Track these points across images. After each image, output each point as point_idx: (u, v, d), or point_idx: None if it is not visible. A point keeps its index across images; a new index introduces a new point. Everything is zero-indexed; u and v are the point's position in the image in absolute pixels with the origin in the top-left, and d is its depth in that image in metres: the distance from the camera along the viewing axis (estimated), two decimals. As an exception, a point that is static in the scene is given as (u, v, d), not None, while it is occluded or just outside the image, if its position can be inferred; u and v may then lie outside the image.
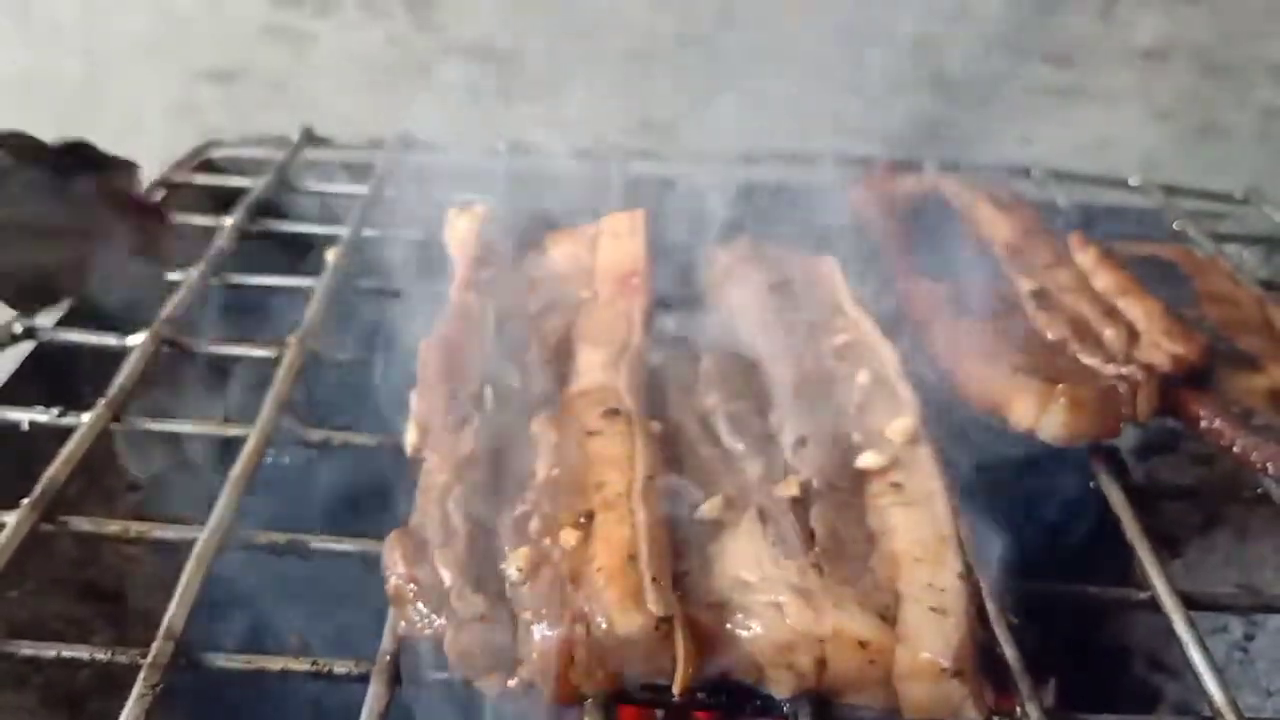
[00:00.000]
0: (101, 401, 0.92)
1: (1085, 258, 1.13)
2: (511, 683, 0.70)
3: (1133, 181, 1.52)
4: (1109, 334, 1.00)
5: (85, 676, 0.75)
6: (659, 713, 0.99)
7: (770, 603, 0.71)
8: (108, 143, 1.47)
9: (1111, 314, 1.03)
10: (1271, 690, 1.14)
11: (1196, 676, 0.75)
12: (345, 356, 1.05)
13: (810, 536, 0.77)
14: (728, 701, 0.73)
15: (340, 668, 0.72)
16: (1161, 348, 0.97)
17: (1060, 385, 0.91)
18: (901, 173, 1.37)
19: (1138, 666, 1.12)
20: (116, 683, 0.69)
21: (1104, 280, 1.09)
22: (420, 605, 0.71)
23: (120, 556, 1.02)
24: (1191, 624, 0.78)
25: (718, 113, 1.62)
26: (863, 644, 0.69)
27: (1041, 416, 0.91)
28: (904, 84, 1.63)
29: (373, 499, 1.05)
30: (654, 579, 0.70)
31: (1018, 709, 0.71)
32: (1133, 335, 1.00)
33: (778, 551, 0.75)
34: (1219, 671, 0.75)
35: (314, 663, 0.72)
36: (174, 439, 0.97)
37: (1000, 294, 1.09)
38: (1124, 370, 0.95)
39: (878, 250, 1.20)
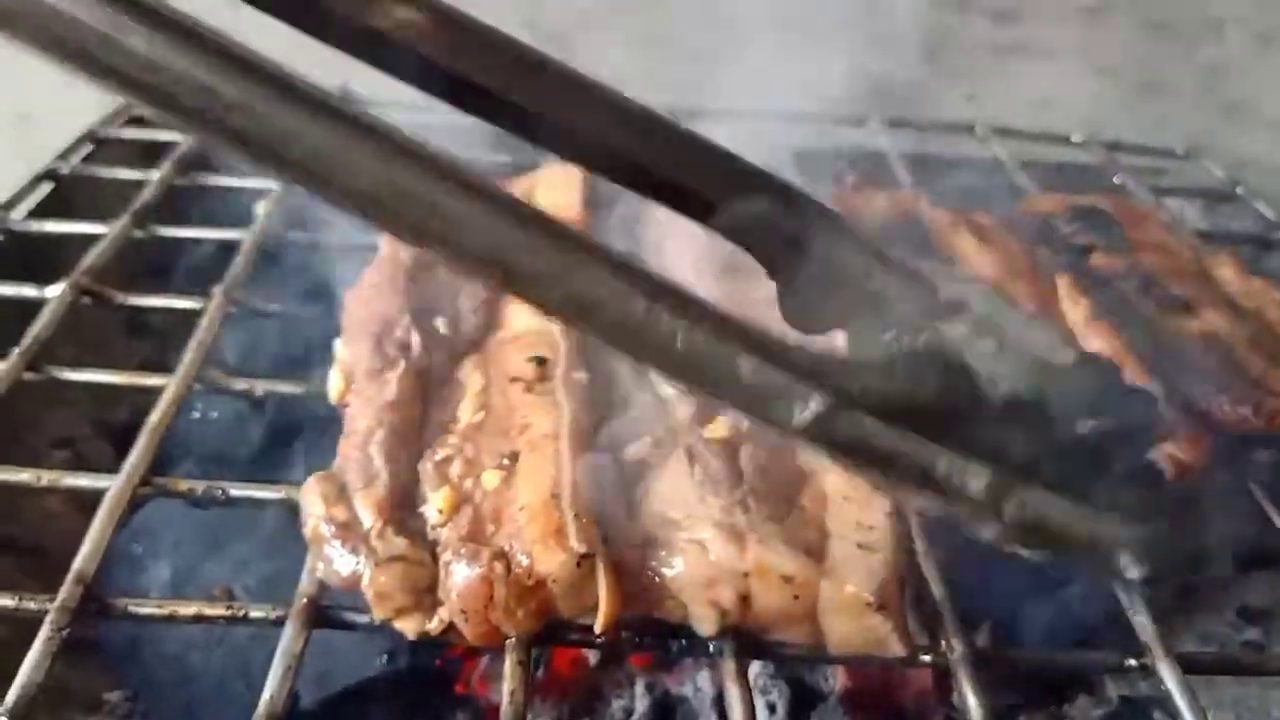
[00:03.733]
0: (15, 351, 0.89)
1: (1076, 313, 1.01)
2: (431, 624, 0.69)
3: (1075, 138, 1.52)
4: None
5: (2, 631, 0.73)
6: (592, 657, 0.98)
7: (694, 539, 0.70)
8: (36, 101, 1.44)
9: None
10: (1208, 635, 1.15)
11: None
12: (274, 308, 1.02)
13: (738, 475, 0.76)
14: (653, 641, 0.72)
15: (256, 612, 0.71)
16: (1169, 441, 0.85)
17: None
18: (873, 188, 1.22)
19: (1076, 615, 1.13)
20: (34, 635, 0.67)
21: (1097, 346, 0.96)
22: (338, 545, 0.70)
23: (42, 513, 1.00)
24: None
25: (660, 70, 1.61)
26: (787, 578, 0.68)
27: None
28: (847, 40, 1.62)
29: (301, 449, 1.04)
30: (576, 516, 0.69)
31: (943, 643, 0.71)
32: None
33: (704, 490, 0.74)
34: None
35: (229, 607, 0.71)
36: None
37: None
38: None
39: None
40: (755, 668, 0.99)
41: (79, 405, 1.15)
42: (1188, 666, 0.72)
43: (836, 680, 0.99)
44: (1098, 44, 1.71)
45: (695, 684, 0.99)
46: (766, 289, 0.98)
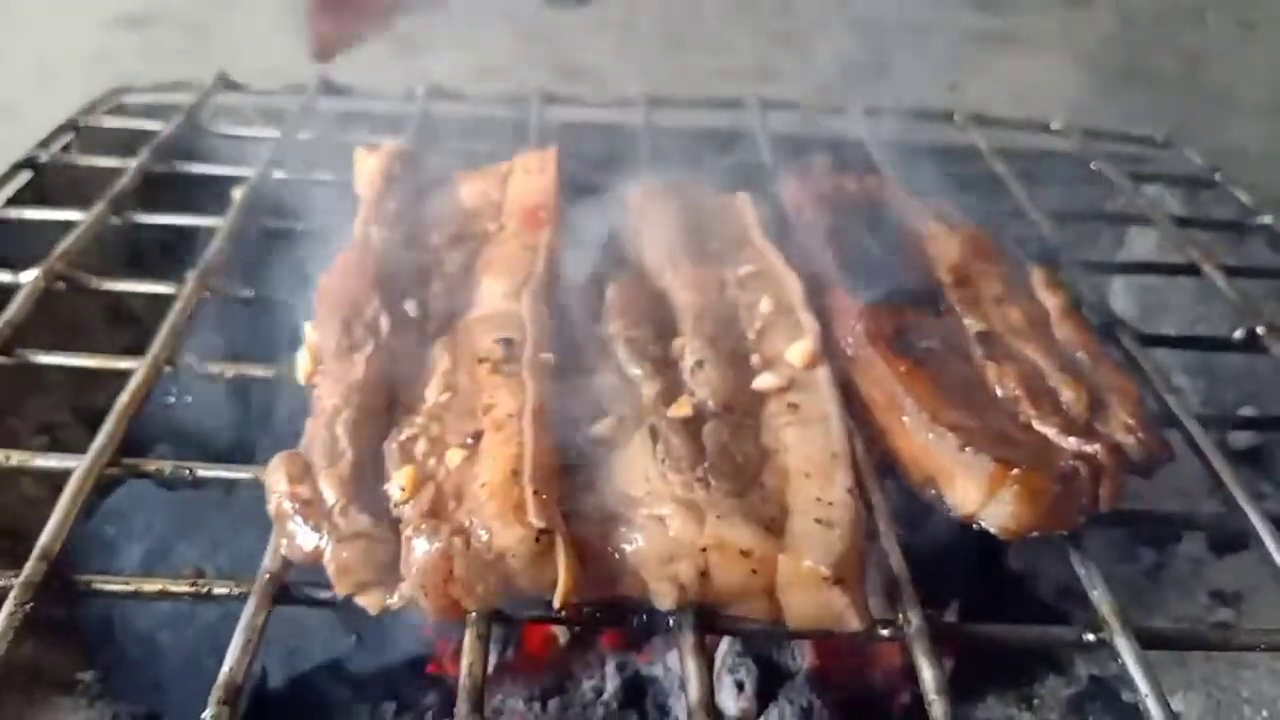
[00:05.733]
0: (-12, 336, 0.90)
1: (1051, 303, 0.99)
2: (392, 599, 0.69)
3: (1054, 125, 1.53)
4: (1068, 395, 0.86)
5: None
6: (562, 637, 0.99)
7: (653, 515, 0.71)
8: (20, 93, 1.45)
9: (1069, 369, 0.89)
10: (1180, 618, 1.16)
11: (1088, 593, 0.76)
12: (247, 294, 1.03)
13: (700, 453, 0.76)
14: (612, 615, 0.72)
15: (220, 588, 0.71)
16: (1132, 432, 0.82)
17: (1014, 471, 0.76)
18: (841, 173, 1.20)
19: (1045, 594, 1.13)
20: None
21: (1067, 333, 0.95)
22: (301, 522, 0.71)
23: (20, 498, 1.01)
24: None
25: (641, 58, 1.61)
26: (745, 553, 0.69)
27: (987, 503, 0.77)
28: (830, 28, 1.63)
29: (276, 433, 1.04)
30: (536, 493, 0.70)
31: (899, 616, 0.71)
32: (1096, 401, 0.86)
33: (665, 467, 0.75)
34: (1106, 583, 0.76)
35: (193, 584, 0.71)
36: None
37: (944, 330, 0.93)
38: (1086, 448, 0.79)
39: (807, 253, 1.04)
40: (723, 646, 1.00)
41: (58, 392, 1.16)
42: (1148, 641, 0.72)
43: (804, 659, 0.99)
44: (1079, 32, 1.71)
45: (665, 664, 1.00)
46: (738, 270, 0.99)
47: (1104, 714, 1.04)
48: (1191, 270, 1.19)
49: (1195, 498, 1.18)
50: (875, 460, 0.83)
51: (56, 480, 0.79)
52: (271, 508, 0.73)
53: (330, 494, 0.72)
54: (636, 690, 0.98)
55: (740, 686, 0.96)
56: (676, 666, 1.00)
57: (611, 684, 0.98)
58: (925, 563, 0.76)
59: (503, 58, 1.56)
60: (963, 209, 1.14)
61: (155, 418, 0.91)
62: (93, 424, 0.86)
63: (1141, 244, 1.56)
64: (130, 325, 1.24)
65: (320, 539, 0.70)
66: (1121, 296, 1.57)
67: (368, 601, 0.70)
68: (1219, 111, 1.72)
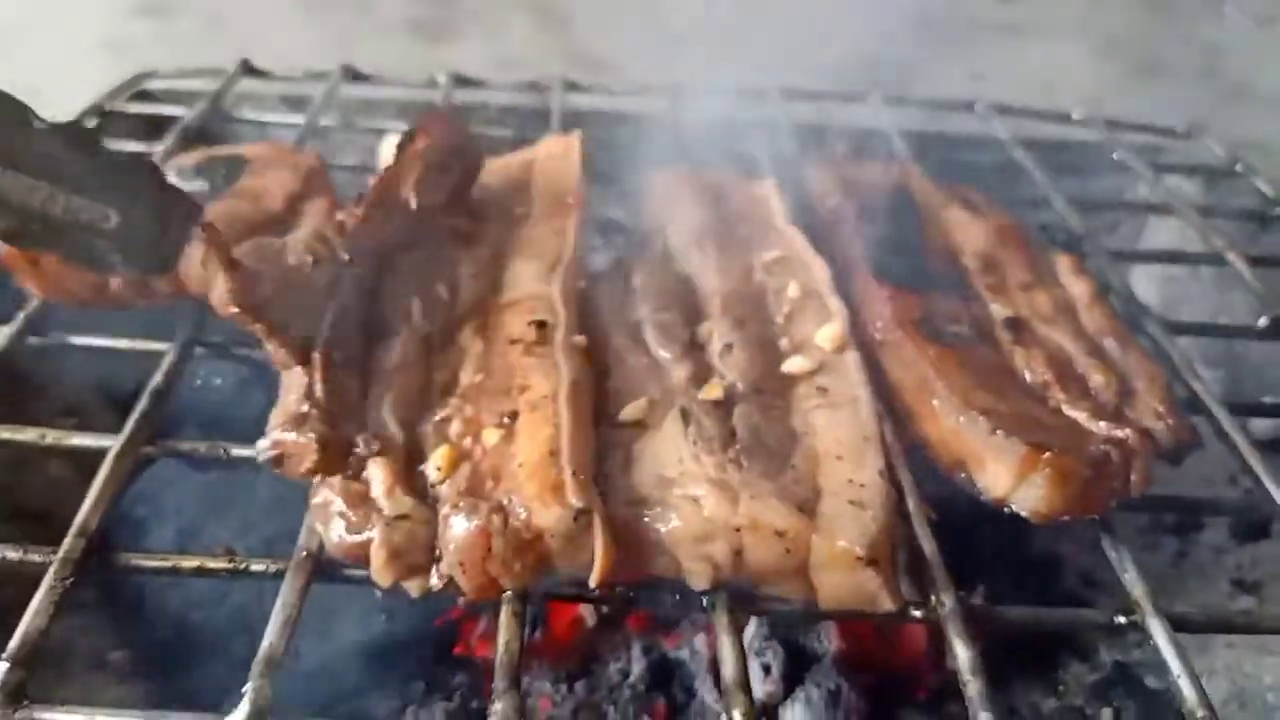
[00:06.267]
0: (20, 316, 0.90)
1: (1078, 289, 0.99)
2: (432, 580, 0.70)
3: (1076, 116, 1.52)
4: (1097, 380, 0.87)
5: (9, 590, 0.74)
6: (590, 619, 0.99)
7: (688, 496, 0.71)
8: (41, 81, 1.44)
9: (1098, 353, 0.90)
10: (1203, 605, 1.16)
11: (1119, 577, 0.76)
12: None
13: (732, 435, 0.77)
14: (647, 595, 0.73)
15: (257, 565, 0.72)
16: (1161, 418, 0.83)
17: (1046, 454, 0.76)
18: (863, 158, 1.22)
19: (1069, 580, 1.14)
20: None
21: (1094, 320, 0.95)
22: (346, 509, 0.71)
23: (49, 479, 1.01)
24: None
25: (660, 46, 1.61)
26: (779, 533, 0.69)
27: (1018, 486, 0.77)
28: (852, 18, 1.62)
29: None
30: (574, 473, 0.70)
31: (932, 598, 0.72)
32: (1125, 387, 0.87)
33: (698, 449, 0.75)
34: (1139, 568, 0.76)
35: (230, 560, 0.72)
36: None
37: (971, 315, 0.93)
38: (1117, 432, 0.79)
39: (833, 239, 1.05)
40: (750, 629, 1.00)
41: (86, 375, 1.16)
42: (1178, 625, 0.73)
43: (831, 642, 1.00)
44: (1099, 23, 1.71)
45: (692, 647, 1.00)
46: (764, 255, 1.00)
47: (1128, 699, 1.05)
48: (1216, 260, 1.19)
49: (1216, 484, 1.18)
50: (904, 443, 0.83)
51: (88, 460, 0.80)
52: (317, 499, 0.73)
53: (379, 477, 0.72)
54: (663, 673, 0.99)
55: (767, 670, 0.96)
56: (703, 649, 1.01)
57: (638, 666, 0.98)
58: (951, 545, 0.76)
59: (518, 44, 1.55)
60: (986, 196, 1.14)
61: (180, 399, 0.91)
62: (119, 407, 0.87)
63: (1161, 233, 1.56)
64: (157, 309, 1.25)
65: (369, 526, 0.70)
66: (1142, 285, 1.57)
67: (412, 586, 0.70)
68: (1237, 103, 1.72)
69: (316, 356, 0.76)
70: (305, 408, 0.73)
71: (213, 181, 1.00)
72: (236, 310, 0.75)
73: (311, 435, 0.71)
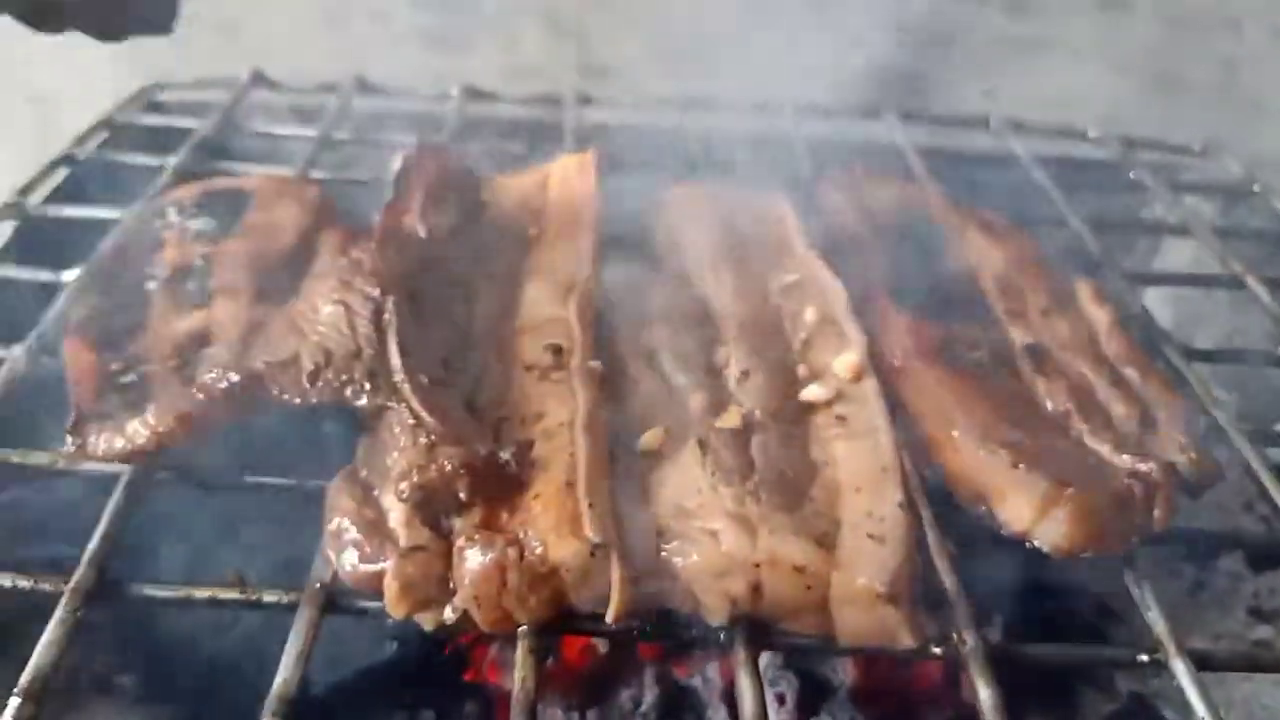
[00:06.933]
0: (32, 335, 0.90)
1: (1098, 315, 0.98)
2: (446, 613, 0.69)
3: (1091, 133, 1.51)
4: (1119, 410, 0.86)
5: (17, 614, 0.73)
6: (602, 648, 0.98)
7: (706, 529, 0.70)
8: (53, 90, 1.44)
9: (1119, 382, 0.89)
10: (1220, 635, 1.15)
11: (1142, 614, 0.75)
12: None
13: (750, 466, 0.76)
14: (663, 630, 0.72)
15: (270, 596, 0.71)
16: (1184, 451, 0.82)
17: (1068, 490, 0.75)
18: (879, 177, 1.20)
19: (1083, 608, 1.13)
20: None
21: (1116, 348, 0.94)
22: (362, 540, 0.70)
23: (59, 501, 1.00)
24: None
25: (675, 59, 1.61)
26: (798, 568, 0.68)
27: (1039, 521, 0.76)
28: (866, 33, 1.62)
29: (313, 437, 1.04)
30: (591, 505, 0.69)
31: (954, 635, 0.71)
32: (1146, 417, 0.86)
33: (716, 480, 0.74)
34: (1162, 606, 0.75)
35: (243, 590, 0.71)
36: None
37: (990, 341, 0.92)
38: (1140, 466, 0.78)
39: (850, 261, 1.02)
40: (764, 659, 0.99)
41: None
42: (1201, 663, 0.72)
43: (846, 674, 0.99)
44: (1115, 40, 1.70)
45: (704, 675, 1.00)
46: (781, 278, 0.99)
47: (1145, 731, 1.04)
48: (1234, 283, 1.18)
49: (1233, 511, 1.17)
50: (922, 474, 0.82)
51: (101, 484, 0.79)
52: (332, 526, 0.72)
53: (391, 510, 0.71)
54: (675, 701, 0.98)
55: (781, 700, 0.96)
56: (716, 678, 1.00)
57: (650, 694, 0.97)
58: (968, 576, 0.75)
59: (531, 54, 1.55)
60: (1003, 217, 1.13)
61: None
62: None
63: (1177, 254, 1.54)
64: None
65: (382, 558, 0.69)
66: (1156, 304, 1.55)
67: (425, 619, 0.69)
68: (1255, 120, 1.71)
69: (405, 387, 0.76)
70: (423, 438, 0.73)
71: (216, 217, 1.00)
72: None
73: (449, 464, 0.70)
